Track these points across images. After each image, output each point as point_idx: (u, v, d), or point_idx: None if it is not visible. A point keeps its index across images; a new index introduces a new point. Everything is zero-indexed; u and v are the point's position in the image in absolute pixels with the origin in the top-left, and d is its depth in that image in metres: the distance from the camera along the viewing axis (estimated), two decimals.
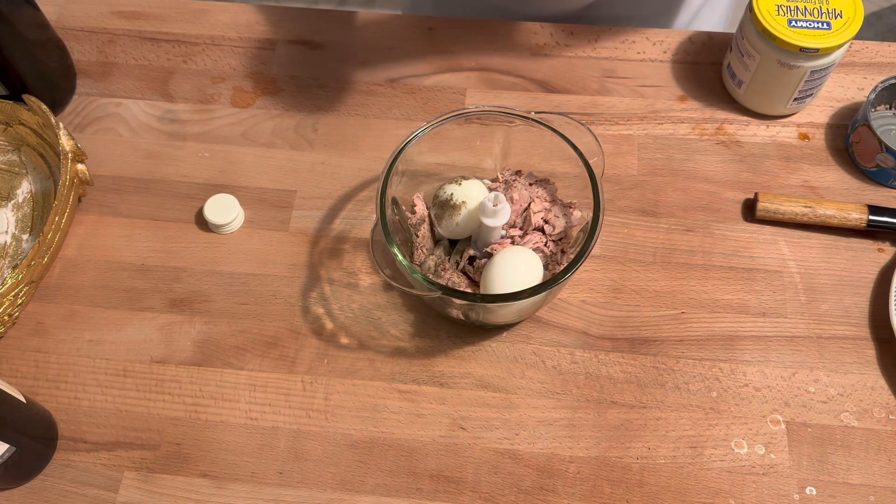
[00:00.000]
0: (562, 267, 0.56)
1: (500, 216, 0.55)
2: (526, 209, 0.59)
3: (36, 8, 0.69)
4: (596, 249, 0.64)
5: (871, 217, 0.63)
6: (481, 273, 0.56)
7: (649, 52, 0.75)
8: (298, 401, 0.59)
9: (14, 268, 0.62)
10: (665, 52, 0.75)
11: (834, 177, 0.68)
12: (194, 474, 0.57)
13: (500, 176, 0.61)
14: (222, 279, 0.64)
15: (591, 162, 0.55)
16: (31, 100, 0.66)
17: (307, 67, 0.75)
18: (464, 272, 0.58)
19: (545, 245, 0.58)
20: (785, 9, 0.63)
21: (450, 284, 0.56)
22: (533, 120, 0.57)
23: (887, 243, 0.65)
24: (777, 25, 0.63)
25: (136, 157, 0.70)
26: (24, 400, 0.54)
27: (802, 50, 0.62)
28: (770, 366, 0.60)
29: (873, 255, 0.64)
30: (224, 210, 0.65)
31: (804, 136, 0.70)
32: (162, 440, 0.58)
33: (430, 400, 0.59)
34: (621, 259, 0.64)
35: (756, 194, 0.65)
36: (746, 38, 0.66)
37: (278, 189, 0.68)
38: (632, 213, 0.66)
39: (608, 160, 0.67)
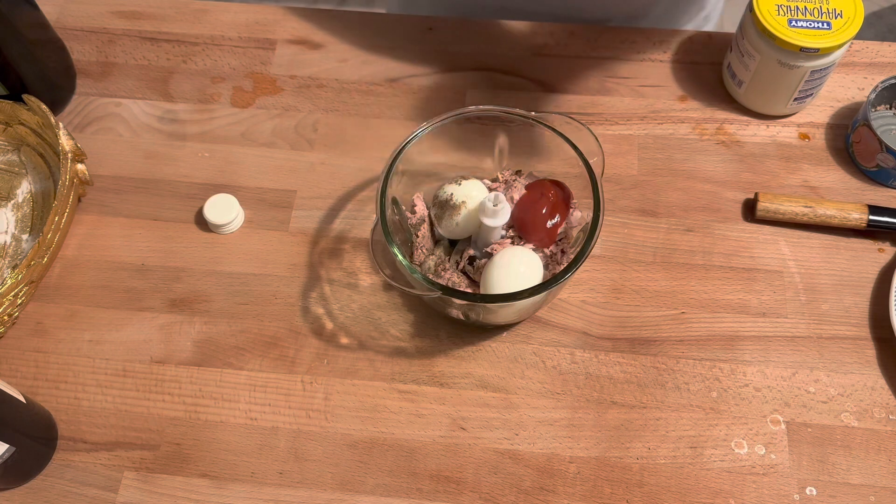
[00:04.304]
0: (562, 267, 0.56)
1: (500, 216, 0.55)
2: None
3: (36, 8, 0.69)
4: (596, 249, 0.64)
5: (872, 217, 0.63)
6: (481, 273, 0.56)
7: (649, 52, 0.75)
8: (298, 401, 0.59)
9: (14, 268, 0.62)
10: (665, 52, 0.75)
11: (834, 177, 0.68)
12: (194, 474, 0.57)
13: (500, 176, 0.61)
14: (222, 279, 0.64)
15: (591, 162, 0.55)
16: (30, 100, 0.66)
17: (307, 67, 0.75)
18: (464, 272, 0.58)
19: None
20: (785, 9, 0.63)
21: (450, 284, 0.56)
22: (533, 120, 0.57)
23: (887, 243, 0.65)
24: (777, 25, 0.63)
25: (135, 157, 0.70)
26: (23, 400, 0.54)
27: (802, 50, 0.62)
28: (770, 366, 0.60)
29: (873, 255, 0.64)
30: (224, 210, 0.65)
31: (804, 136, 0.70)
32: (162, 440, 0.58)
33: (430, 400, 0.59)
34: (621, 259, 0.64)
35: (756, 194, 0.65)
36: (746, 38, 0.66)
37: (278, 189, 0.68)
38: (632, 213, 0.66)
39: (608, 160, 0.67)
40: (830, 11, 0.63)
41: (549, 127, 0.56)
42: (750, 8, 0.65)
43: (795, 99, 0.68)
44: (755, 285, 0.63)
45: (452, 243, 0.60)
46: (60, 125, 0.64)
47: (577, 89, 0.73)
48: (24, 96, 0.66)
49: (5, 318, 0.60)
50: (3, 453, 0.51)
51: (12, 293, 0.59)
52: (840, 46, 0.63)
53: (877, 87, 0.66)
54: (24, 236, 0.66)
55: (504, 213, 0.55)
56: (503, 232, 0.58)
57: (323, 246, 0.65)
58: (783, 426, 0.57)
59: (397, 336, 0.61)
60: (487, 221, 0.55)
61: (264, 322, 0.62)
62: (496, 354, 0.60)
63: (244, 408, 0.59)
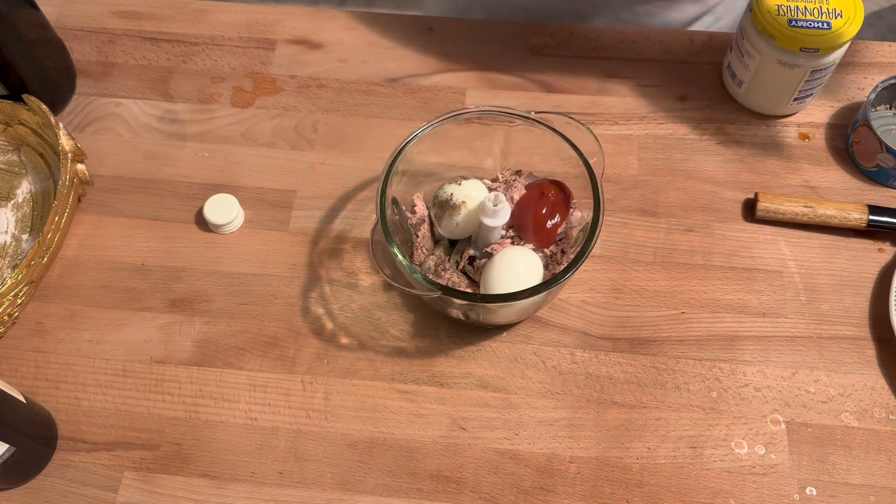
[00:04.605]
0: (562, 267, 0.56)
1: (500, 216, 0.55)
2: None
3: (36, 8, 0.69)
4: (596, 249, 0.64)
5: (872, 217, 0.63)
6: (481, 273, 0.56)
7: (649, 52, 0.75)
8: (298, 401, 0.59)
9: (14, 268, 0.62)
10: (665, 52, 0.75)
11: (834, 177, 0.68)
12: (194, 474, 0.57)
13: (500, 176, 0.61)
14: (222, 279, 0.64)
15: (591, 162, 0.55)
16: (31, 100, 0.66)
17: (307, 67, 0.75)
18: (464, 272, 0.58)
19: None
20: (785, 8, 0.63)
21: (450, 284, 0.56)
22: (533, 120, 0.57)
23: (887, 243, 0.65)
24: (777, 25, 0.63)
25: (135, 157, 0.70)
26: (24, 400, 0.54)
27: (802, 50, 0.62)
28: (770, 366, 0.60)
29: (873, 255, 0.64)
30: (224, 210, 0.65)
31: (804, 136, 0.70)
32: (162, 440, 0.58)
33: (430, 400, 0.59)
34: (621, 259, 0.64)
35: (756, 194, 0.65)
36: (746, 38, 0.66)
37: (278, 189, 0.68)
38: (632, 213, 0.66)
39: (608, 160, 0.67)
40: (830, 11, 0.63)
41: (549, 127, 0.56)
42: (750, 8, 0.65)
43: (795, 99, 0.68)
44: (755, 285, 0.63)
45: (452, 243, 0.60)
46: (60, 125, 0.64)
47: (577, 89, 0.73)
48: (24, 96, 0.66)
49: (5, 318, 0.60)
50: (3, 453, 0.51)
51: (12, 293, 0.59)
52: (840, 46, 0.63)
53: (877, 87, 0.66)
54: (24, 236, 0.66)
55: (504, 213, 0.55)
56: (503, 232, 0.58)
57: (323, 246, 0.65)
58: (783, 426, 0.57)
59: (397, 336, 0.61)
60: (487, 221, 0.55)
61: (264, 322, 0.62)
62: (496, 354, 0.60)
63: (244, 408, 0.59)
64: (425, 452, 0.57)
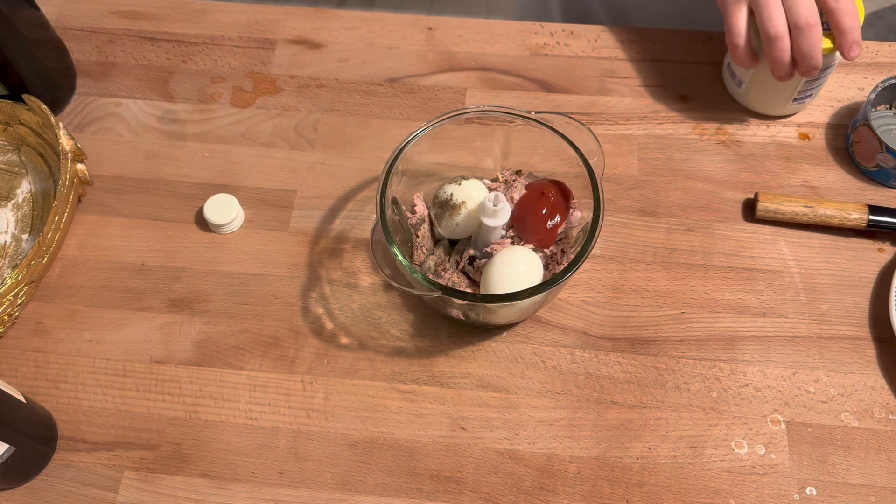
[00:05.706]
0: (562, 267, 0.56)
1: (500, 216, 0.55)
2: None
3: (36, 8, 0.69)
4: (596, 249, 0.64)
5: (872, 217, 0.63)
6: (481, 273, 0.56)
7: (649, 52, 0.75)
8: (298, 401, 0.59)
9: (14, 268, 0.62)
10: (665, 52, 0.75)
11: (834, 177, 0.68)
12: (194, 474, 0.57)
13: (500, 176, 0.61)
14: (222, 279, 0.64)
15: (591, 162, 0.55)
16: (31, 100, 0.66)
17: (307, 67, 0.75)
18: (464, 272, 0.58)
19: None
20: None
21: (450, 284, 0.56)
22: (533, 120, 0.57)
23: (887, 243, 0.65)
24: None
25: (136, 157, 0.70)
26: (23, 400, 0.54)
27: None
28: (770, 366, 0.60)
29: (873, 255, 0.64)
30: (224, 210, 0.65)
31: (804, 136, 0.70)
32: (162, 440, 0.58)
33: (430, 400, 0.59)
34: (621, 259, 0.64)
35: (756, 194, 0.65)
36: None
37: (278, 189, 0.68)
38: (632, 213, 0.66)
39: (608, 160, 0.67)
40: None
41: (549, 127, 0.56)
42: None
43: (795, 99, 0.68)
44: (755, 285, 0.63)
45: (452, 243, 0.60)
46: (60, 125, 0.64)
47: (577, 89, 0.73)
48: (24, 96, 0.66)
49: (5, 318, 0.60)
50: (3, 453, 0.51)
51: (12, 293, 0.59)
52: None
53: (877, 87, 0.66)
54: (24, 236, 0.66)
55: (504, 213, 0.55)
56: (503, 232, 0.58)
57: (323, 246, 0.65)
58: (783, 426, 0.57)
59: (397, 336, 0.61)
60: (487, 221, 0.55)
61: (264, 322, 0.62)
62: (496, 354, 0.60)
63: (244, 408, 0.59)
64: (425, 452, 0.57)
